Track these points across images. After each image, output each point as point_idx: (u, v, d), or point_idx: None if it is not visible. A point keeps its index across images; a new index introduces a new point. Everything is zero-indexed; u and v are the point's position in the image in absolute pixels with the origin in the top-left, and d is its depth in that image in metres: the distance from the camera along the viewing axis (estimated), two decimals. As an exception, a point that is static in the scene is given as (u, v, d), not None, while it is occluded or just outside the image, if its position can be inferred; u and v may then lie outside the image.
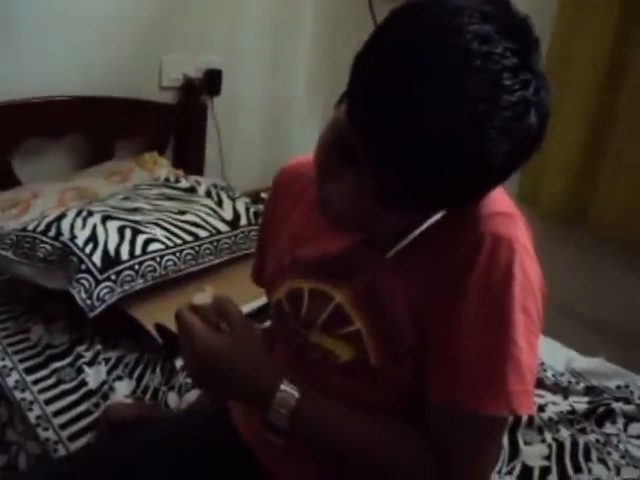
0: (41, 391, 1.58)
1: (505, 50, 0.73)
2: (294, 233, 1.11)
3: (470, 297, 0.87)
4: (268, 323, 1.51)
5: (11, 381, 1.60)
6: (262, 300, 1.71)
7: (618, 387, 1.75)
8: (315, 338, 1.04)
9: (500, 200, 0.92)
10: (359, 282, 0.99)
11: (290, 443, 0.97)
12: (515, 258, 0.86)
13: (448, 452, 0.91)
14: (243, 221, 2.07)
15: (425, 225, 0.92)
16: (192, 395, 1.56)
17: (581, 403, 1.68)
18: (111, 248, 1.77)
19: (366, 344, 0.97)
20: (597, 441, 1.56)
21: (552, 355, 1.85)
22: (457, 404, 0.88)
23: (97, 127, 2.45)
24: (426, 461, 0.92)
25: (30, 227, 1.84)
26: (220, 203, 2.13)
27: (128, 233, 1.83)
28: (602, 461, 1.51)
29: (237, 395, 0.98)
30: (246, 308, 1.85)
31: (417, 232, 0.92)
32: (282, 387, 0.91)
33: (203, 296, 0.95)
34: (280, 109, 3.11)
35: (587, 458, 1.51)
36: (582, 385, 1.74)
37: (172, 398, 1.59)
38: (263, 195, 2.49)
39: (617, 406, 1.66)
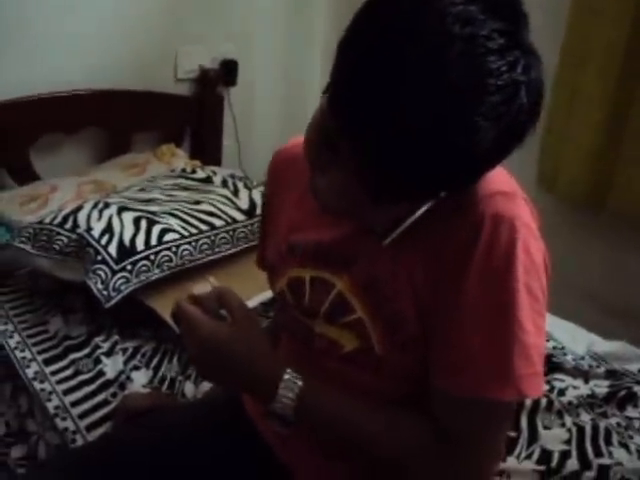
0: (59, 382, 1.59)
1: (491, 32, 0.70)
2: (291, 218, 1.10)
3: (472, 279, 0.85)
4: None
5: (30, 372, 1.61)
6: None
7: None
8: (319, 328, 1.04)
9: (500, 179, 0.90)
10: (358, 269, 0.97)
11: (304, 436, 0.97)
12: (517, 237, 0.84)
13: (454, 437, 0.90)
14: (259, 210, 2.06)
15: (422, 210, 0.90)
16: (208, 384, 1.56)
17: (602, 387, 1.65)
18: (127, 239, 1.78)
19: (369, 332, 0.97)
20: (618, 425, 1.54)
21: (573, 339, 1.83)
22: (463, 388, 0.87)
23: (113, 120, 2.46)
24: (431, 447, 0.91)
25: (47, 220, 1.86)
26: (236, 192, 2.13)
27: (144, 224, 1.84)
28: (623, 445, 1.48)
29: (240, 384, 0.98)
30: (262, 297, 1.86)
31: (413, 218, 0.90)
32: (285, 376, 0.91)
33: (203, 286, 0.96)
34: (296, 98, 3.11)
35: (608, 442, 1.48)
36: (603, 369, 1.72)
37: (189, 388, 1.60)
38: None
39: (638, 389, 1.63)
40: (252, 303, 1.85)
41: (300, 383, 0.91)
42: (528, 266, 0.85)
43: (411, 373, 0.97)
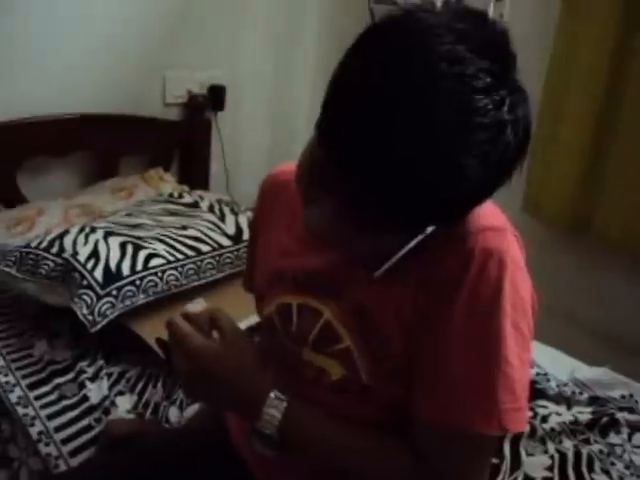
0: (43, 406, 1.58)
1: (478, 71, 0.71)
2: (280, 244, 1.10)
3: (459, 312, 0.86)
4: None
5: (14, 397, 1.61)
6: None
7: (622, 397, 1.73)
8: (307, 356, 1.04)
9: (491, 214, 0.91)
10: (347, 299, 0.98)
11: (287, 459, 0.97)
12: (505, 273, 0.85)
13: (437, 468, 0.90)
14: (246, 235, 2.07)
15: (412, 243, 0.90)
16: (192, 410, 1.56)
17: (585, 413, 1.66)
18: (112, 264, 1.78)
19: (357, 362, 0.97)
20: (601, 452, 1.55)
21: (556, 365, 1.85)
22: (447, 421, 0.87)
23: (101, 144, 2.47)
24: (414, 475, 0.91)
25: (33, 244, 1.86)
26: (223, 218, 2.14)
27: (130, 249, 1.84)
28: (606, 472, 1.49)
29: (227, 402, 0.98)
30: (249, 321, 1.86)
31: (404, 251, 0.91)
32: (272, 395, 0.92)
33: (194, 306, 0.97)
34: (284, 123, 3.13)
35: (590, 469, 1.50)
36: (586, 395, 1.73)
37: (173, 413, 1.59)
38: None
39: (621, 416, 1.65)
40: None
41: (285, 403, 0.92)
42: (515, 302, 0.86)
43: (398, 402, 0.97)
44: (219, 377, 0.93)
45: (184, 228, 2.02)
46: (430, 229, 0.88)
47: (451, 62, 0.70)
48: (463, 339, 0.86)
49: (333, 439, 0.95)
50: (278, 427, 0.91)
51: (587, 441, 1.58)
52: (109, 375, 1.70)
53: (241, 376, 0.94)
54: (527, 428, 1.56)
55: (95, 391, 1.64)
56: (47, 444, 1.48)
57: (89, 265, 1.76)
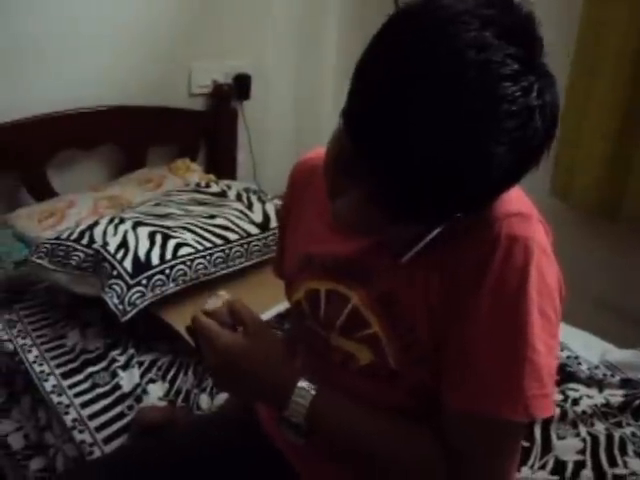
0: (77, 395, 1.61)
1: (505, 57, 0.70)
2: (309, 230, 1.11)
3: (485, 299, 0.86)
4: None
5: (49, 386, 1.64)
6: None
7: (655, 379, 1.71)
8: (335, 341, 1.04)
9: (516, 200, 0.90)
10: (374, 285, 0.98)
11: (319, 446, 0.97)
12: (531, 259, 0.85)
13: (465, 455, 0.91)
14: (273, 223, 2.08)
15: (438, 230, 0.90)
16: (223, 397, 1.58)
17: (616, 396, 1.65)
18: (142, 253, 1.80)
19: (384, 347, 0.97)
20: (633, 434, 1.53)
21: (587, 348, 1.83)
22: (474, 409, 0.87)
23: (129, 136, 2.50)
24: (441, 463, 0.91)
25: (64, 235, 1.89)
26: (250, 206, 2.15)
27: (159, 238, 1.86)
28: (639, 455, 1.48)
29: (256, 394, 0.99)
30: (278, 309, 1.88)
31: (430, 237, 0.91)
32: (299, 384, 0.92)
33: (214, 301, 0.98)
34: (310, 111, 3.13)
35: (623, 452, 1.48)
36: (617, 378, 1.71)
37: (204, 400, 1.61)
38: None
39: (654, 398, 1.63)
40: (268, 315, 1.87)
41: (313, 392, 0.92)
42: (541, 288, 0.85)
43: (427, 388, 0.97)
44: (246, 370, 0.94)
45: (212, 217, 2.03)
46: (456, 216, 0.87)
47: (478, 49, 0.70)
48: (489, 326, 0.86)
49: (360, 425, 0.95)
50: (305, 415, 0.92)
51: (619, 424, 1.57)
52: (140, 363, 1.73)
53: (268, 367, 0.94)
54: (557, 411, 1.55)
55: (127, 379, 1.67)
56: (81, 431, 1.51)
57: (119, 255, 1.78)
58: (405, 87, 0.71)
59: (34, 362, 1.71)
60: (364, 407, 0.96)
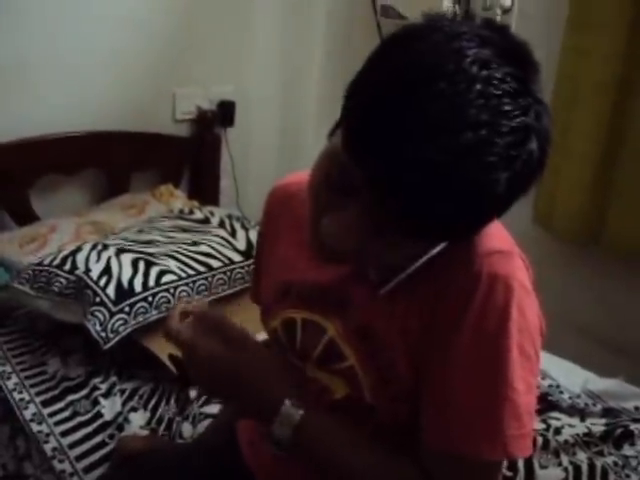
0: (57, 423, 1.59)
1: (505, 75, 0.72)
2: (285, 257, 1.10)
3: (465, 337, 0.85)
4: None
5: (28, 414, 1.62)
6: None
7: (636, 408, 1.72)
8: (311, 372, 1.03)
9: (497, 237, 0.90)
10: (351, 316, 0.97)
11: (296, 473, 0.96)
12: (512, 297, 0.85)
13: None
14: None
15: (420, 262, 0.90)
16: (205, 425, 1.57)
17: (598, 425, 1.66)
18: (125, 280, 1.79)
19: (361, 381, 0.96)
20: (615, 464, 1.54)
21: (568, 377, 1.84)
22: (453, 448, 0.87)
23: (112, 161, 2.49)
24: None
25: (46, 261, 1.88)
26: (234, 233, 2.15)
27: (142, 265, 1.86)
28: (620, 484, 1.49)
29: (244, 404, 0.96)
30: (259, 337, 1.87)
31: (412, 269, 0.90)
32: (287, 402, 0.90)
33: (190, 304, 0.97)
34: (293, 138, 3.15)
35: (605, 481, 1.49)
36: (599, 407, 1.72)
37: (186, 428, 1.60)
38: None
39: (635, 427, 1.63)
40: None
41: (301, 411, 0.90)
42: (521, 326, 0.85)
43: (403, 424, 0.97)
44: (236, 383, 0.92)
45: (195, 244, 2.03)
46: (440, 248, 0.88)
47: (481, 65, 0.71)
48: (469, 365, 0.86)
49: (346, 454, 0.94)
50: (292, 434, 0.90)
51: (601, 453, 1.57)
52: (122, 391, 1.71)
53: (257, 382, 0.92)
54: (540, 440, 1.56)
55: (109, 407, 1.65)
56: (61, 461, 1.49)
57: (102, 282, 1.77)
58: (410, 98, 0.71)
59: (14, 389, 1.69)
60: (351, 433, 0.95)
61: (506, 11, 2.39)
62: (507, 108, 0.71)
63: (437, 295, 0.88)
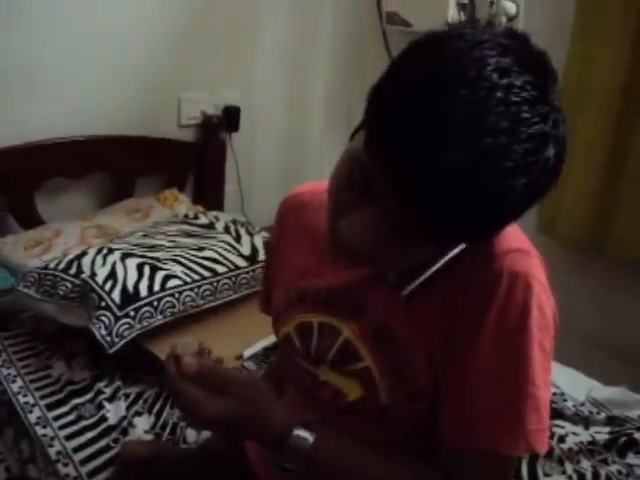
0: (62, 427, 1.59)
1: (525, 83, 0.72)
2: (299, 264, 1.10)
3: (487, 335, 0.87)
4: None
5: (33, 417, 1.62)
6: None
7: (640, 416, 1.72)
8: (324, 375, 1.04)
9: (515, 236, 0.91)
10: (369, 318, 0.98)
11: None
12: (532, 295, 0.86)
13: None
14: (261, 256, 2.09)
15: (441, 262, 0.91)
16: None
17: (602, 433, 1.65)
18: (130, 285, 1.80)
19: (377, 382, 0.97)
20: (619, 472, 1.54)
21: (573, 385, 1.84)
22: (475, 445, 0.88)
23: (117, 166, 2.50)
24: None
25: (52, 265, 1.88)
26: (238, 238, 2.16)
27: (147, 270, 1.86)
28: (624, 492, 1.49)
29: (254, 440, 0.98)
30: (264, 342, 1.88)
31: (432, 270, 0.91)
32: (294, 433, 0.90)
33: (184, 346, 0.95)
34: (298, 143, 3.16)
35: (609, 490, 1.49)
36: (603, 415, 1.72)
37: (190, 433, 1.59)
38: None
39: (639, 436, 1.63)
40: (255, 348, 1.87)
41: (310, 438, 0.90)
42: (541, 324, 0.87)
43: (417, 425, 0.97)
44: (241, 429, 0.92)
45: (200, 249, 2.03)
46: (460, 248, 0.89)
47: (501, 73, 0.72)
48: (491, 363, 0.87)
49: (360, 467, 0.94)
50: (304, 463, 0.90)
51: (605, 461, 1.57)
52: (127, 396, 1.71)
53: (263, 423, 0.91)
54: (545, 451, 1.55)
55: (113, 412, 1.65)
56: (65, 464, 1.49)
57: (107, 286, 1.78)
58: (430, 104, 0.72)
59: (18, 393, 1.69)
60: (364, 447, 0.95)
61: (511, 19, 2.39)
62: (526, 115, 0.72)
63: (458, 294, 0.90)
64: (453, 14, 2.47)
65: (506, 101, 0.71)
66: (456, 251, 0.90)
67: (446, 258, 0.90)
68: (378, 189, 0.78)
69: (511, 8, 2.36)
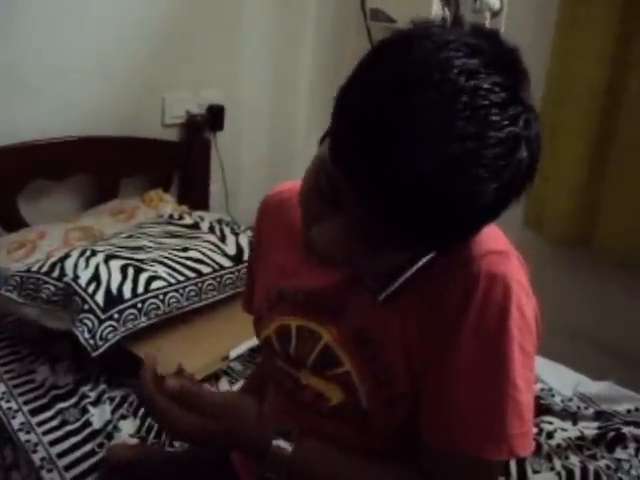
0: (46, 432, 1.58)
1: (493, 85, 0.71)
2: (279, 264, 1.09)
3: (466, 338, 0.85)
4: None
5: (16, 423, 1.60)
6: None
7: (628, 411, 1.72)
8: (306, 379, 1.03)
9: (493, 238, 0.90)
10: (348, 322, 0.97)
11: None
12: (511, 296, 0.85)
13: None
14: (246, 255, 2.07)
15: (417, 266, 0.89)
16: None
17: (590, 428, 1.65)
18: (114, 287, 1.78)
19: (357, 387, 0.96)
20: (608, 467, 1.54)
21: (560, 380, 1.84)
22: (457, 449, 0.87)
23: (101, 167, 2.47)
24: None
25: (34, 268, 1.86)
26: (223, 238, 2.14)
27: (131, 271, 1.84)
28: (613, 488, 1.48)
29: (235, 449, 0.98)
30: (250, 343, 1.86)
31: (409, 273, 0.90)
32: (274, 443, 0.90)
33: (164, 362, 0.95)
34: (283, 142, 3.14)
35: (598, 485, 1.49)
36: (591, 410, 1.72)
37: (176, 436, 1.58)
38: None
39: (628, 430, 1.63)
40: (240, 349, 1.86)
41: (289, 448, 0.90)
42: (521, 324, 0.85)
43: (399, 429, 0.96)
44: (220, 444, 0.94)
45: (185, 250, 2.02)
46: (437, 249, 0.87)
47: (468, 76, 0.70)
48: (471, 365, 0.86)
49: (342, 474, 0.94)
50: (285, 472, 0.90)
51: (594, 457, 1.57)
52: (111, 399, 1.70)
53: (243, 434, 0.92)
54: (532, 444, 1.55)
55: (98, 416, 1.64)
56: (50, 470, 1.47)
57: (90, 289, 1.76)
58: (396, 109, 0.70)
59: (1, 398, 1.68)
60: (344, 453, 0.94)
61: (495, 14, 2.38)
62: (495, 119, 0.70)
63: (436, 297, 0.88)
64: (437, 10, 2.47)
65: (473, 105, 0.69)
66: (431, 255, 0.88)
67: (421, 262, 0.89)
68: (345, 197, 0.77)
69: (495, 3, 2.35)
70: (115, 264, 1.85)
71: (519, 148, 0.73)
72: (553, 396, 1.76)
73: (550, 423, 1.67)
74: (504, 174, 0.72)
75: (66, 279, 1.79)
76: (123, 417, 1.64)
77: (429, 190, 0.70)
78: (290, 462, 0.89)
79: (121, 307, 1.75)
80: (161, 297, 1.83)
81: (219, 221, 2.28)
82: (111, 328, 1.71)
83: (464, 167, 0.70)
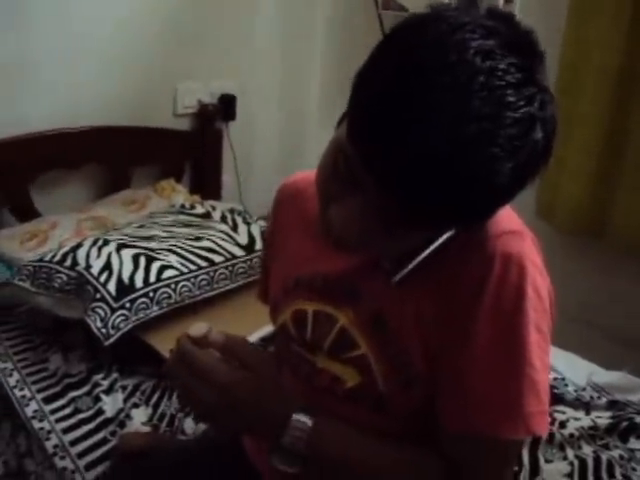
0: (59, 420, 1.58)
1: (509, 65, 0.71)
2: (295, 252, 1.10)
3: (483, 319, 0.86)
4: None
5: (30, 411, 1.61)
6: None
7: (642, 400, 1.71)
8: (322, 363, 1.03)
9: (508, 218, 0.91)
10: (364, 305, 0.97)
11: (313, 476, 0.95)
12: (526, 277, 0.85)
13: (466, 475, 0.90)
14: (258, 245, 2.07)
15: (432, 248, 0.90)
16: (208, 421, 1.56)
17: (604, 418, 1.64)
18: (125, 276, 1.79)
19: (373, 369, 0.96)
20: (621, 457, 1.53)
21: (573, 370, 1.83)
22: (475, 430, 0.87)
23: (114, 156, 2.48)
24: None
25: (47, 257, 1.87)
26: (235, 228, 2.14)
27: (142, 261, 1.84)
28: (626, 477, 1.47)
29: (249, 426, 0.94)
30: (263, 332, 1.86)
31: (424, 255, 0.90)
32: (294, 417, 0.89)
33: (198, 329, 0.93)
34: (295, 131, 3.14)
35: (610, 475, 1.48)
36: (604, 399, 1.71)
37: (188, 424, 1.59)
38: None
39: (641, 420, 1.62)
40: (252, 338, 1.85)
41: (310, 422, 0.89)
42: (537, 304, 0.86)
43: (415, 411, 0.97)
44: (246, 403, 0.90)
45: (197, 239, 2.02)
46: (451, 233, 0.88)
47: (484, 57, 0.70)
48: (487, 345, 0.86)
49: (361, 454, 0.93)
50: (305, 445, 0.89)
51: (607, 446, 1.56)
52: (124, 388, 1.70)
53: (270, 400, 0.91)
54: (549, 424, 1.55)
55: (110, 404, 1.64)
56: (63, 458, 1.48)
57: (102, 278, 1.76)
58: (412, 90, 0.70)
59: (15, 387, 1.68)
60: (363, 433, 0.94)
61: (508, 1, 2.37)
62: (511, 99, 0.71)
63: (451, 279, 0.89)
64: (449, -3, 2.45)
65: (489, 85, 0.70)
66: (447, 236, 0.89)
67: (436, 244, 0.89)
68: (362, 178, 0.77)
69: (508, -9, 2.33)
70: (127, 253, 1.86)
71: (535, 129, 0.73)
72: (566, 385, 1.75)
73: (563, 412, 1.66)
74: (520, 154, 0.72)
75: (78, 268, 1.80)
76: (135, 405, 1.65)
77: (445, 170, 0.71)
78: (309, 437, 0.88)
79: (133, 296, 1.76)
80: (173, 286, 1.83)
81: (231, 210, 2.28)
82: (123, 317, 1.72)
83: (480, 147, 0.70)
